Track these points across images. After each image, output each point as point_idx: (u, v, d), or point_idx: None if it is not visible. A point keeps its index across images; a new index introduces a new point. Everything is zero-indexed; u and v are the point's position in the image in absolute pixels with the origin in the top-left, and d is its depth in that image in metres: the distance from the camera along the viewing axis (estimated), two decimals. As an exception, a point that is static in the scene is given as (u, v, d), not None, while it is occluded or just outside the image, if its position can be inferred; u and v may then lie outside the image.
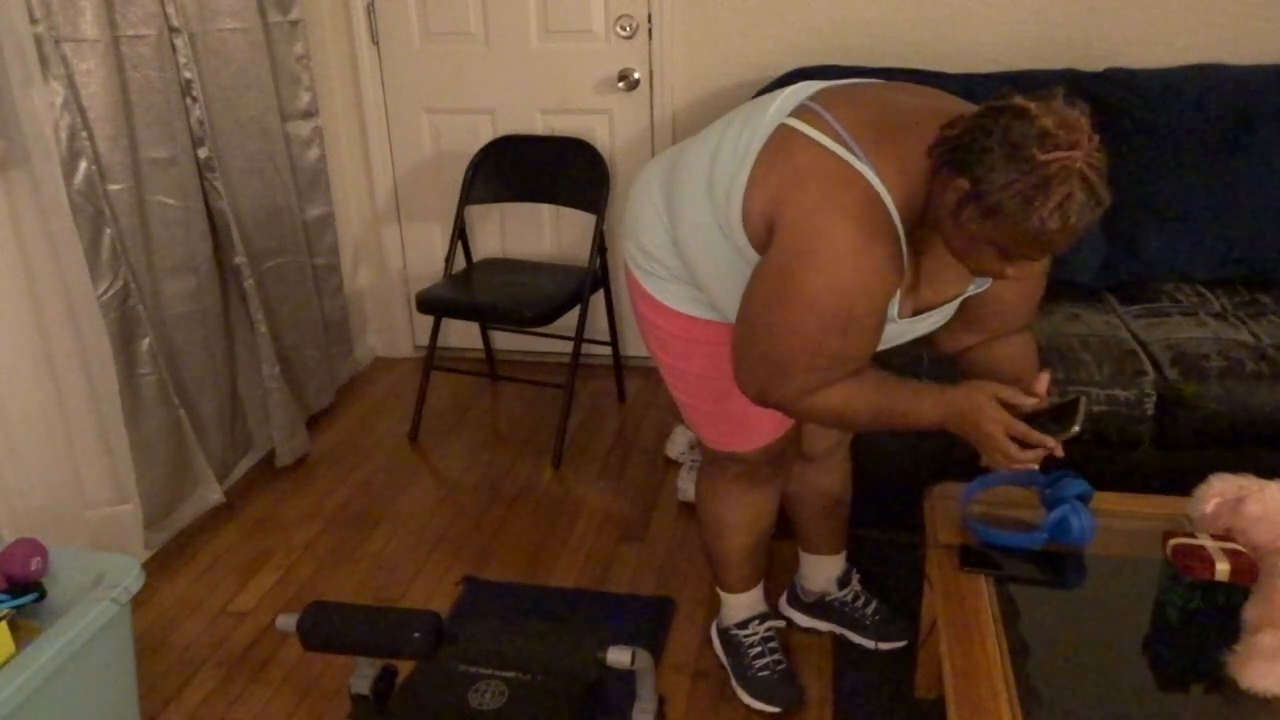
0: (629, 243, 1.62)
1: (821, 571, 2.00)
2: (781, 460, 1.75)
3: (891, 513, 2.24)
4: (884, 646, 1.96)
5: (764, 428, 1.66)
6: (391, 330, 3.50)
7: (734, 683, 1.92)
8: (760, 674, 1.88)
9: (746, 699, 1.88)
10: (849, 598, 2.00)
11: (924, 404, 1.40)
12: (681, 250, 1.51)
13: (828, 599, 2.02)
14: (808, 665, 1.99)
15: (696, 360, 1.62)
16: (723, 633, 1.96)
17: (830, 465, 1.88)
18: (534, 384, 3.15)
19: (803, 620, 2.06)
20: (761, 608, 1.94)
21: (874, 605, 1.99)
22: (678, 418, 3.00)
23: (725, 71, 2.94)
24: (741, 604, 1.91)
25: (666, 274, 1.57)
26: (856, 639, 2.00)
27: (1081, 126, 1.18)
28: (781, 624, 2.00)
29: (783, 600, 2.10)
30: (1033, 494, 1.71)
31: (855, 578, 2.02)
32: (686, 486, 2.55)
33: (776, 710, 1.85)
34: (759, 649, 1.89)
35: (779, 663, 1.89)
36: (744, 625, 1.92)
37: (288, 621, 1.23)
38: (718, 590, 1.93)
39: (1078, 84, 2.51)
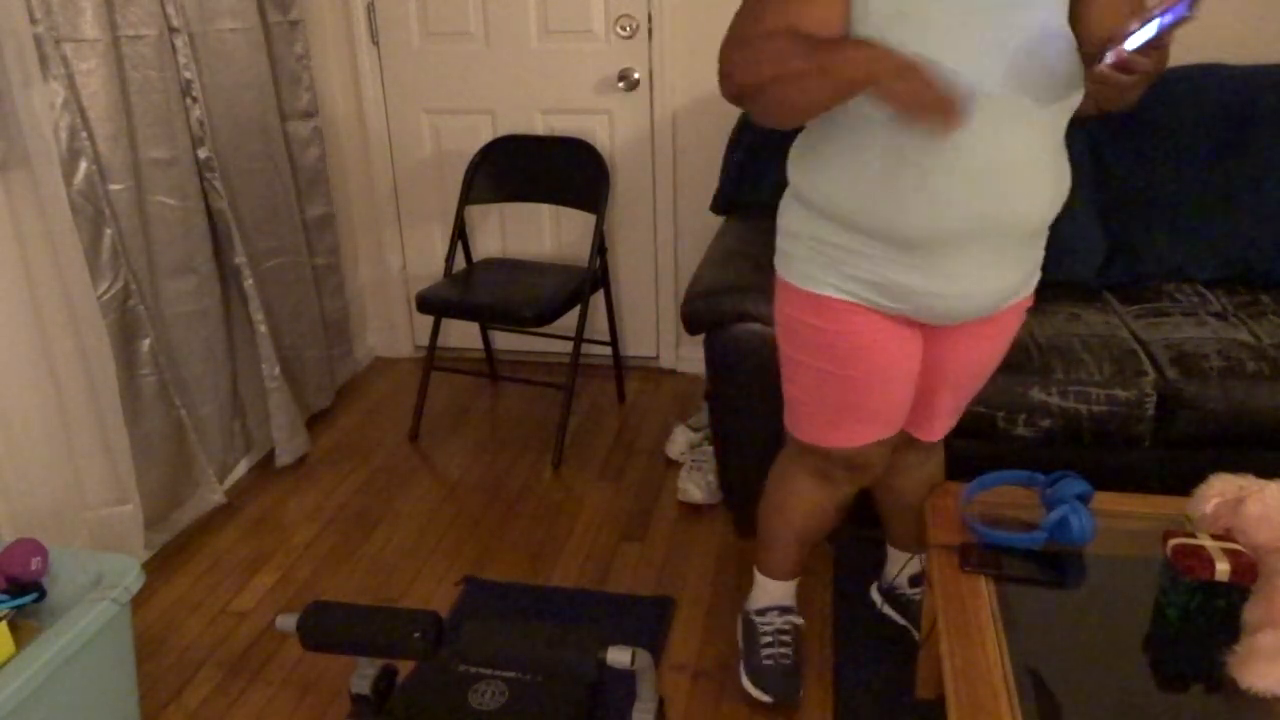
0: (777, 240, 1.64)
1: (896, 566, 2.05)
2: (859, 471, 1.74)
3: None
4: None
5: (855, 433, 1.67)
6: (391, 330, 3.50)
7: (740, 666, 1.95)
8: (764, 663, 1.90)
9: (745, 683, 1.92)
10: (919, 599, 2.01)
11: (857, 49, 1.31)
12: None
13: (896, 592, 2.05)
14: (809, 664, 1.99)
15: (810, 350, 1.61)
16: (744, 615, 2.00)
17: (901, 465, 1.85)
18: (534, 384, 3.15)
19: (879, 604, 2.11)
20: (787, 601, 1.96)
21: None
22: (678, 418, 3.00)
23: (725, 71, 2.94)
24: (770, 590, 1.95)
25: (794, 241, 1.57)
26: (916, 636, 2.00)
27: None
28: (800, 622, 2.00)
29: (874, 585, 2.15)
30: (1033, 494, 1.71)
31: None
32: (686, 486, 2.56)
33: (768, 700, 1.88)
34: (770, 639, 1.92)
35: (785, 657, 1.90)
36: (764, 613, 1.95)
37: (288, 621, 1.23)
38: (755, 570, 1.97)
39: (1078, 84, 2.51)
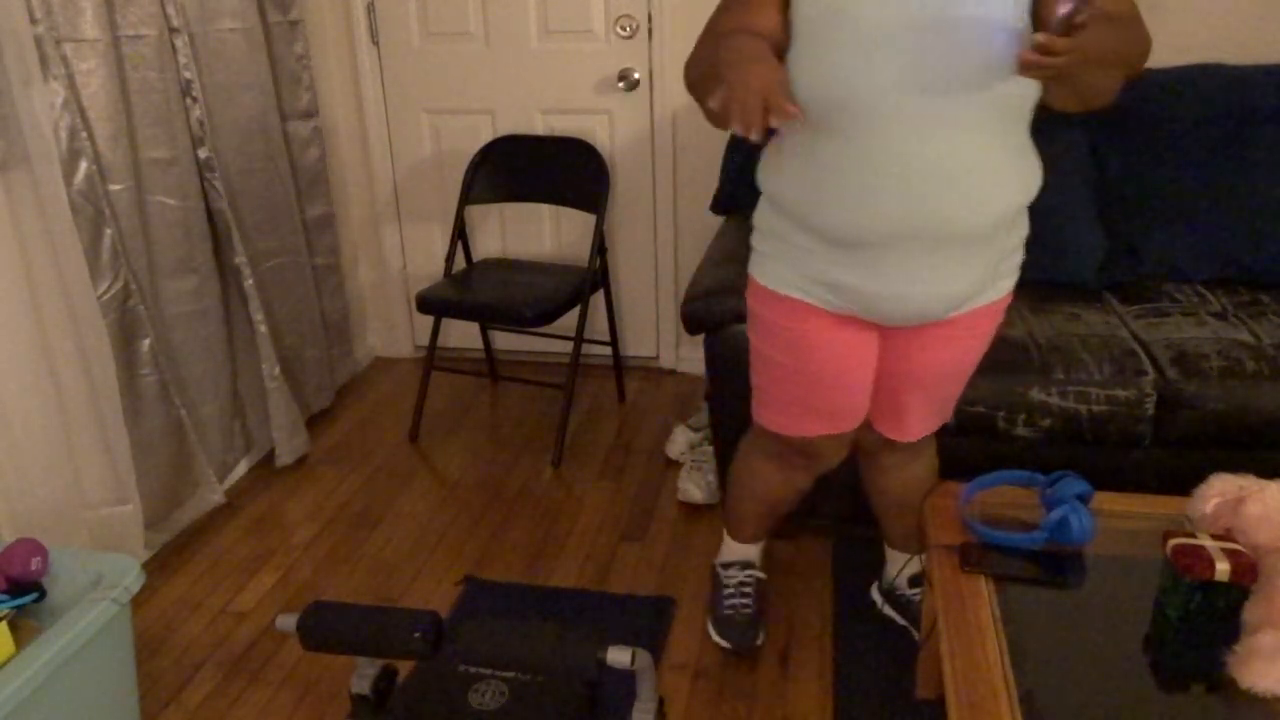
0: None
1: (895, 566, 2.06)
2: (813, 460, 1.81)
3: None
4: None
5: (806, 425, 1.74)
6: (391, 330, 3.50)
7: (706, 614, 2.14)
8: (725, 612, 2.04)
9: (710, 630, 2.08)
10: (919, 599, 2.02)
11: (728, 44, 1.31)
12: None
13: (897, 593, 2.06)
14: (808, 664, 1.99)
15: (770, 343, 1.68)
16: (712, 568, 2.16)
17: (885, 465, 1.88)
18: (534, 384, 3.15)
19: (880, 605, 2.12)
20: (748, 557, 2.10)
21: None
22: (678, 418, 3.00)
23: (725, 71, 2.94)
24: (733, 549, 2.10)
25: (761, 238, 1.64)
26: (916, 636, 2.01)
27: None
28: (762, 576, 2.12)
29: (874, 585, 2.16)
30: (1033, 494, 1.71)
31: None
32: (686, 486, 2.55)
33: (728, 646, 2.01)
34: (732, 590, 2.06)
35: (746, 608, 2.04)
36: (728, 567, 2.10)
37: (288, 621, 1.23)
38: (723, 529, 2.13)
39: (1078, 84, 2.51)
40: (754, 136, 1.18)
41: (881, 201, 1.40)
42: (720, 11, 1.47)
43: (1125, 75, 1.38)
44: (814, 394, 1.68)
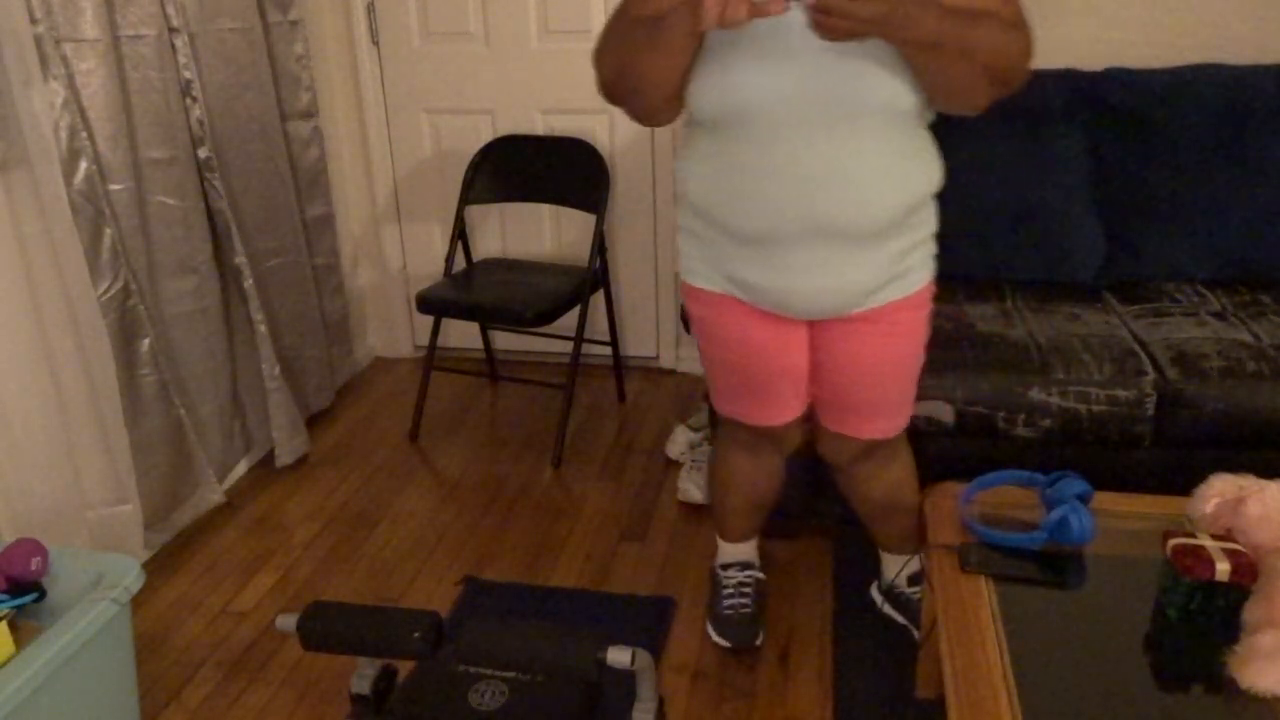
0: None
1: (891, 568, 2.07)
2: (776, 441, 1.88)
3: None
4: None
5: (750, 412, 1.81)
6: (391, 330, 3.50)
7: (705, 614, 2.13)
8: (725, 612, 2.05)
9: (709, 630, 2.08)
10: (918, 597, 2.02)
11: None
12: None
13: (895, 590, 2.07)
14: (808, 664, 1.99)
15: (701, 336, 1.77)
16: (711, 569, 2.17)
17: (859, 476, 1.90)
18: (534, 384, 3.15)
19: (880, 604, 2.13)
20: (746, 558, 2.12)
21: None
22: (678, 418, 3.00)
23: (725, 71, 2.94)
24: (728, 550, 2.12)
25: (681, 236, 1.69)
26: (916, 635, 2.02)
27: None
28: (761, 576, 2.14)
29: (874, 585, 2.16)
30: (1033, 494, 1.71)
31: None
32: (687, 486, 2.55)
33: (727, 645, 2.02)
34: (731, 591, 2.08)
35: (745, 607, 2.05)
36: (726, 568, 2.12)
37: (288, 621, 1.23)
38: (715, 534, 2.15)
39: (1078, 84, 2.51)
40: (742, 15, 1.21)
41: (778, 202, 1.49)
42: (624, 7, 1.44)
43: (992, 77, 1.40)
44: (747, 383, 1.76)
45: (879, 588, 2.13)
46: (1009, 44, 1.39)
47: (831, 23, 1.23)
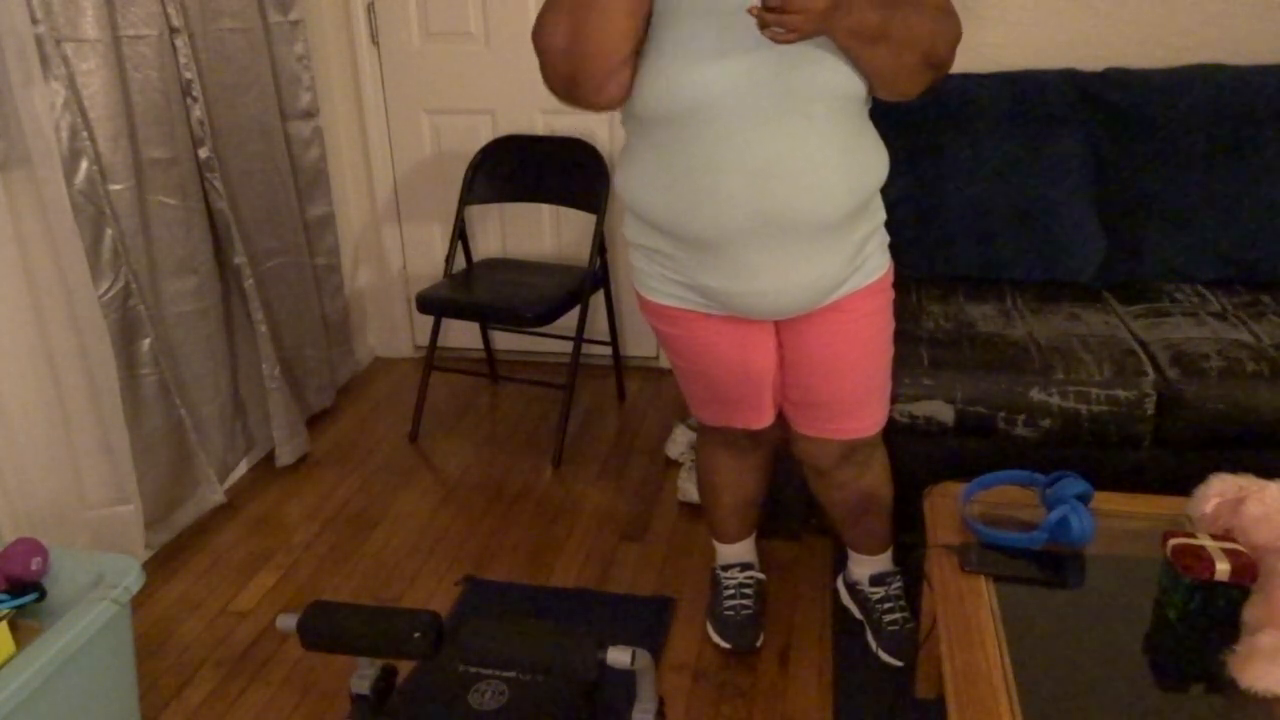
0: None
1: (858, 566, 2.07)
2: (755, 437, 1.89)
3: (892, 513, 2.24)
4: (884, 657, 1.97)
5: (725, 417, 1.82)
6: (391, 330, 3.50)
7: (706, 615, 2.13)
8: (725, 613, 2.05)
9: (709, 630, 2.08)
10: (876, 597, 2.02)
11: None
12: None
13: (858, 587, 2.07)
14: (808, 664, 1.99)
15: (667, 349, 1.77)
16: (713, 571, 2.16)
17: (839, 481, 1.90)
18: (534, 384, 3.15)
19: (842, 595, 2.14)
20: (745, 559, 2.13)
21: (898, 617, 1.99)
22: (678, 417, 3.00)
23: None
24: (726, 552, 2.12)
25: (632, 251, 1.67)
26: (868, 636, 2.02)
27: None
28: (761, 576, 2.14)
29: (839, 577, 2.17)
30: (1033, 494, 1.71)
31: (894, 584, 2.03)
32: (686, 486, 2.56)
33: (727, 646, 2.02)
34: (732, 592, 2.08)
35: (745, 608, 2.05)
36: (727, 569, 2.12)
37: (288, 621, 1.23)
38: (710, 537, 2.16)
39: (1078, 84, 2.51)
40: None
41: (732, 199, 1.46)
42: None
43: (926, 62, 1.42)
44: (720, 393, 1.77)
45: (843, 580, 2.14)
46: (944, 31, 1.42)
47: (788, 20, 1.25)
